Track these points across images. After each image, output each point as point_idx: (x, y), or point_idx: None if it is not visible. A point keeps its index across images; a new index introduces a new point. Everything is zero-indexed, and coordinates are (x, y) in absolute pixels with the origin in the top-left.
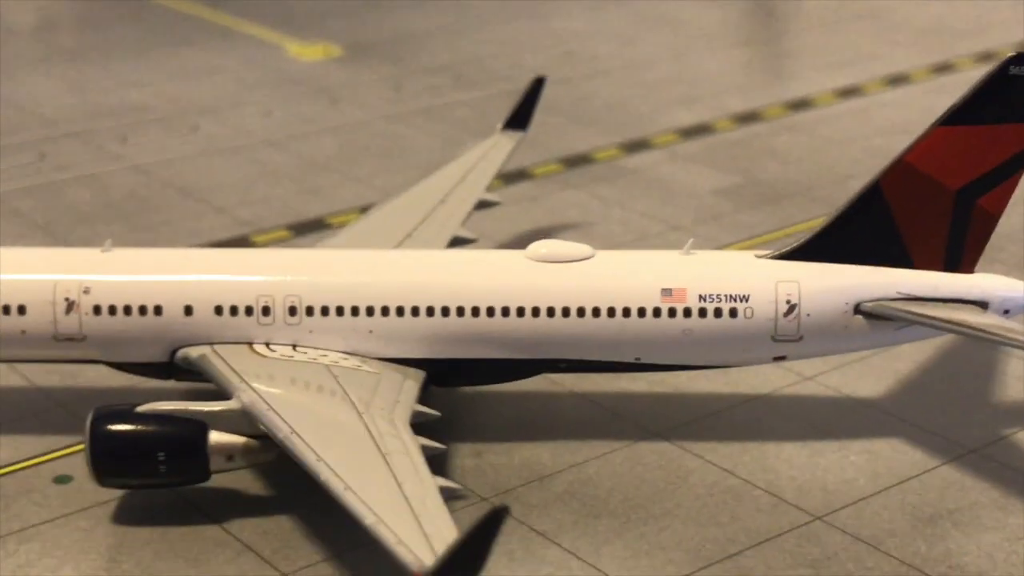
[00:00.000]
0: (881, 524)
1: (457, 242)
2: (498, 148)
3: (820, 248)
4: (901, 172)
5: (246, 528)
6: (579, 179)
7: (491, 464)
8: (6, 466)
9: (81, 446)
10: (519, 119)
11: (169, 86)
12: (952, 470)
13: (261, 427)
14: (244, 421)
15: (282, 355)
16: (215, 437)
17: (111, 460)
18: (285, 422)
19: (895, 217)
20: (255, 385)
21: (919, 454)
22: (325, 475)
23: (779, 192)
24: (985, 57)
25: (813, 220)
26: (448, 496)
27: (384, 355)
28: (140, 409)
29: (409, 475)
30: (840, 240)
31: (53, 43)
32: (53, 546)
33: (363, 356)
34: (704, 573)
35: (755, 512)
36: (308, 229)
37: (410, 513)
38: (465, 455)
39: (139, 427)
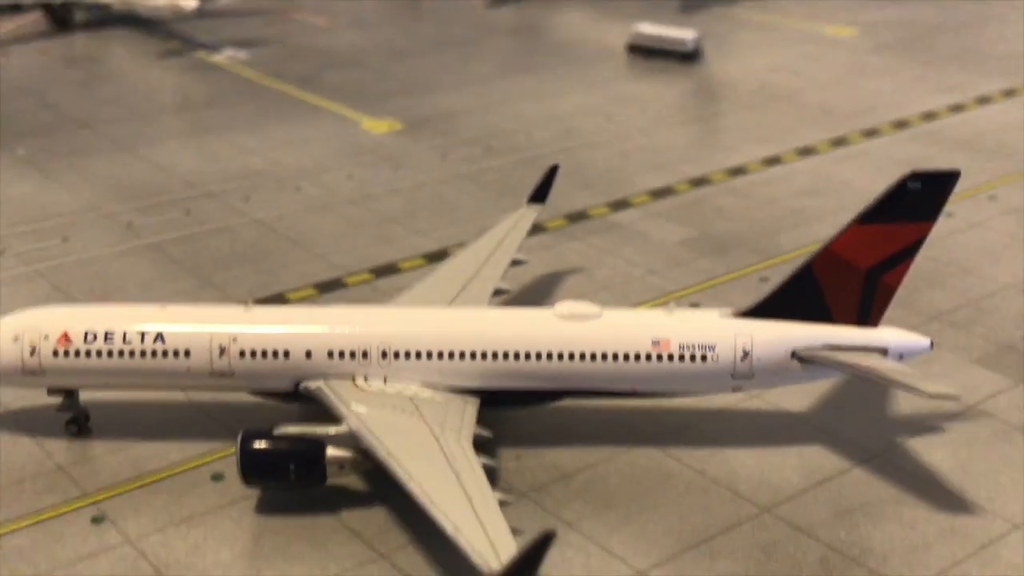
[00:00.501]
0: (812, 516)
1: (498, 292)
2: (524, 218)
3: (767, 309)
4: (827, 257)
5: (353, 518)
6: (580, 232)
7: (528, 466)
8: (177, 465)
9: (231, 451)
10: (539, 195)
11: (275, 153)
12: (862, 471)
13: (364, 447)
14: (352, 441)
15: (376, 388)
16: (331, 452)
17: (255, 469)
18: (383, 445)
19: (822, 288)
20: (359, 412)
21: (837, 457)
22: (415, 490)
23: (725, 243)
24: (870, 132)
25: (750, 267)
26: (502, 504)
27: (450, 387)
28: (276, 431)
29: (476, 491)
30: (781, 303)
31: (188, 119)
32: (213, 531)
33: (434, 387)
34: (688, 554)
35: (720, 505)
36: (385, 272)
37: (479, 525)
38: (509, 459)
39: (276, 445)
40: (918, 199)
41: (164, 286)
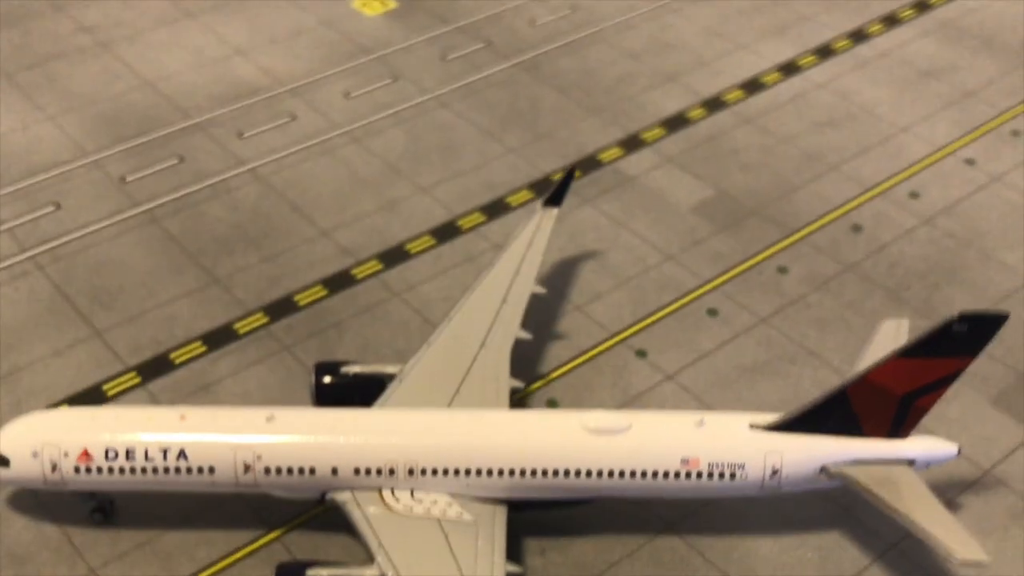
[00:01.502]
0: None
1: (519, 343)
2: (542, 230)
3: (798, 424)
4: (863, 384)
5: None
6: (591, 191)
7: (552, 563)
8: (205, 568)
9: (256, 546)
10: (555, 198)
11: (265, 57)
12: (879, 569)
13: None
14: None
15: (404, 506)
16: None
17: None
18: None
19: (855, 410)
20: (390, 557)
21: (855, 549)
22: None
23: (742, 210)
24: (889, 20)
25: (768, 249)
26: None
27: (477, 497)
28: (310, 573)
29: None
30: (813, 419)
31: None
32: None
33: (462, 497)
34: None
35: None
36: (394, 260)
37: None
38: (533, 552)
39: None
40: (963, 339)
41: (169, 283)
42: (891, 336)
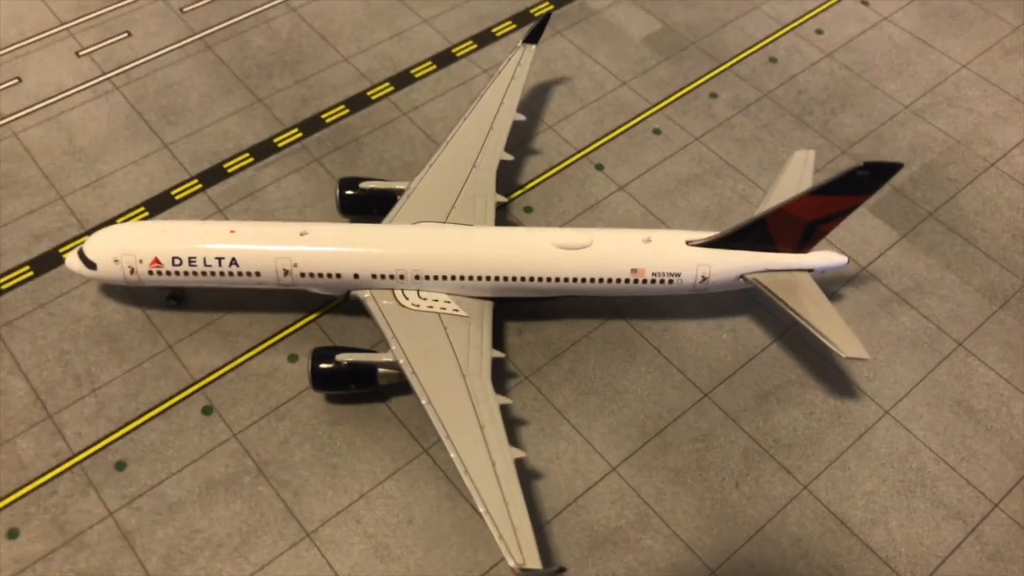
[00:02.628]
0: (739, 401)
1: (502, 163)
2: (522, 66)
3: (724, 242)
4: (780, 214)
5: (400, 409)
6: (562, 23)
7: (527, 342)
8: (258, 345)
9: (297, 327)
10: (534, 37)
11: None
12: (778, 347)
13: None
14: (396, 366)
15: (412, 302)
16: (381, 371)
17: (323, 384)
18: (424, 394)
19: (771, 232)
20: (401, 345)
21: (761, 332)
22: (455, 459)
23: (682, 42)
24: None
25: (702, 79)
26: (505, 409)
27: (470, 295)
28: (339, 356)
29: (496, 449)
30: (736, 238)
31: None
32: (297, 425)
33: (457, 295)
34: (648, 446)
35: (672, 390)
36: (402, 83)
37: (508, 520)
38: (512, 333)
39: (339, 367)
40: (864, 182)
41: (222, 102)
42: (800, 164)
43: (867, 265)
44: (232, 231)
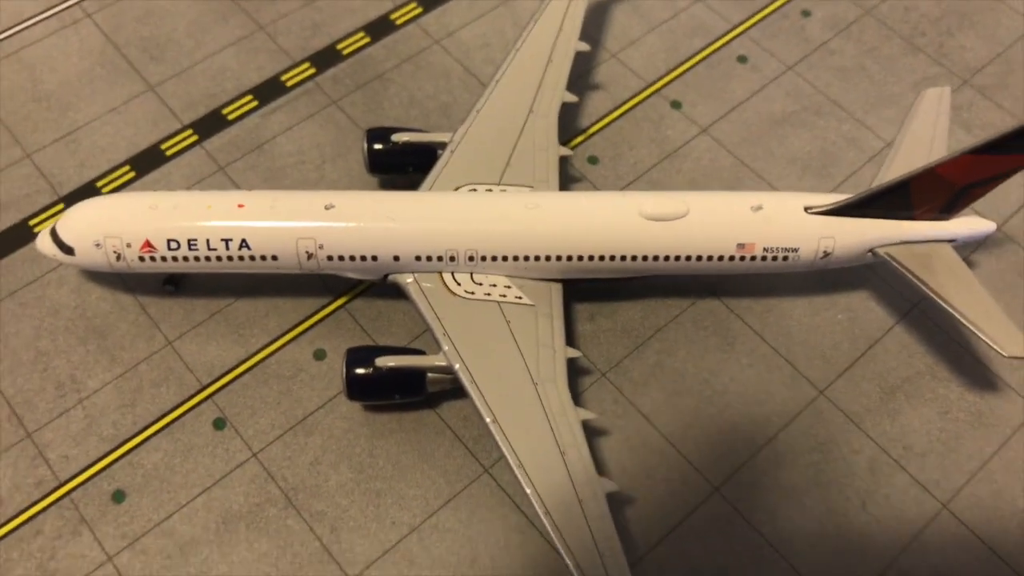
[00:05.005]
0: (862, 398)
1: (564, 107)
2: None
3: (854, 208)
4: (929, 176)
5: (451, 418)
6: None
7: (601, 328)
8: (277, 339)
9: (324, 315)
10: None
11: None
12: (902, 329)
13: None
14: (449, 370)
15: (464, 289)
16: (431, 376)
17: (360, 395)
18: (488, 410)
19: (912, 198)
20: (456, 346)
21: (881, 310)
22: (525, 484)
23: None
24: None
25: None
26: (588, 425)
27: (534, 278)
28: (379, 361)
29: (584, 482)
30: (870, 204)
31: None
32: (329, 441)
33: (520, 279)
34: (758, 458)
35: (780, 387)
36: (432, 0)
37: (597, 557)
38: (583, 319)
39: (380, 374)
40: None
41: (216, 31)
42: (934, 105)
43: (1002, 224)
44: (240, 205)
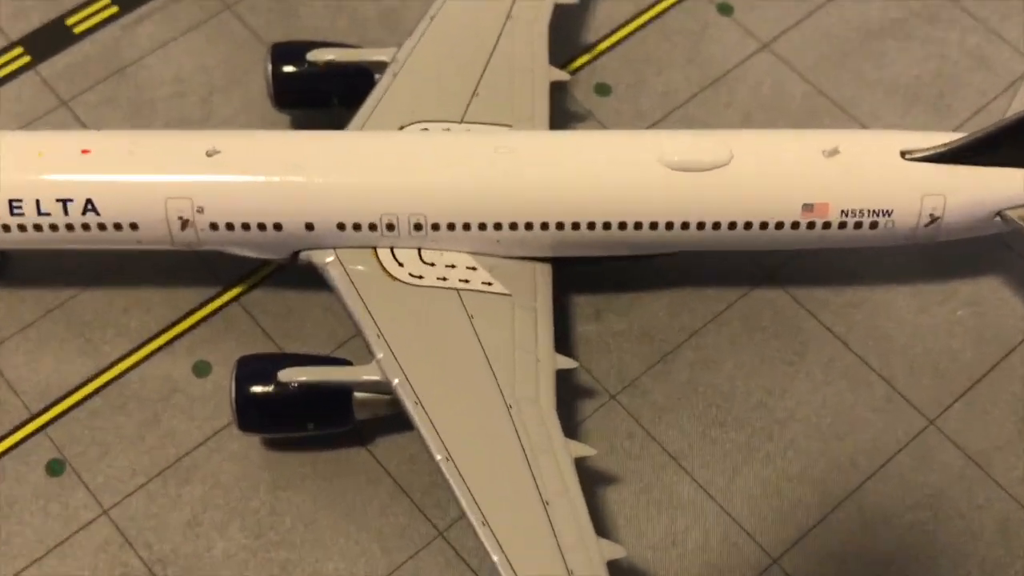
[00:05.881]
0: (989, 431)
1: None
2: None
3: (972, 152)
4: None
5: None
6: None
7: (611, 329)
8: (147, 342)
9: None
10: None
11: None
12: None
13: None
14: (384, 387)
15: (407, 273)
16: (359, 397)
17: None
18: (439, 439)
19: None
20: (395, 351)
21: (1013, 301)
22: (491, 549)
23: None
24: None
25: None
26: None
27: (512, 256)
28: (281, 375)
29: (573, 546)
30: (994, 146)
31: None
32: (212, 485)
33: (489, 257)
34: (836, 516)
35: (871, 414)
36: None
37: None
38: (584, 316)
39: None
40: None
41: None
42: None
43: None
44: (85, 150)
